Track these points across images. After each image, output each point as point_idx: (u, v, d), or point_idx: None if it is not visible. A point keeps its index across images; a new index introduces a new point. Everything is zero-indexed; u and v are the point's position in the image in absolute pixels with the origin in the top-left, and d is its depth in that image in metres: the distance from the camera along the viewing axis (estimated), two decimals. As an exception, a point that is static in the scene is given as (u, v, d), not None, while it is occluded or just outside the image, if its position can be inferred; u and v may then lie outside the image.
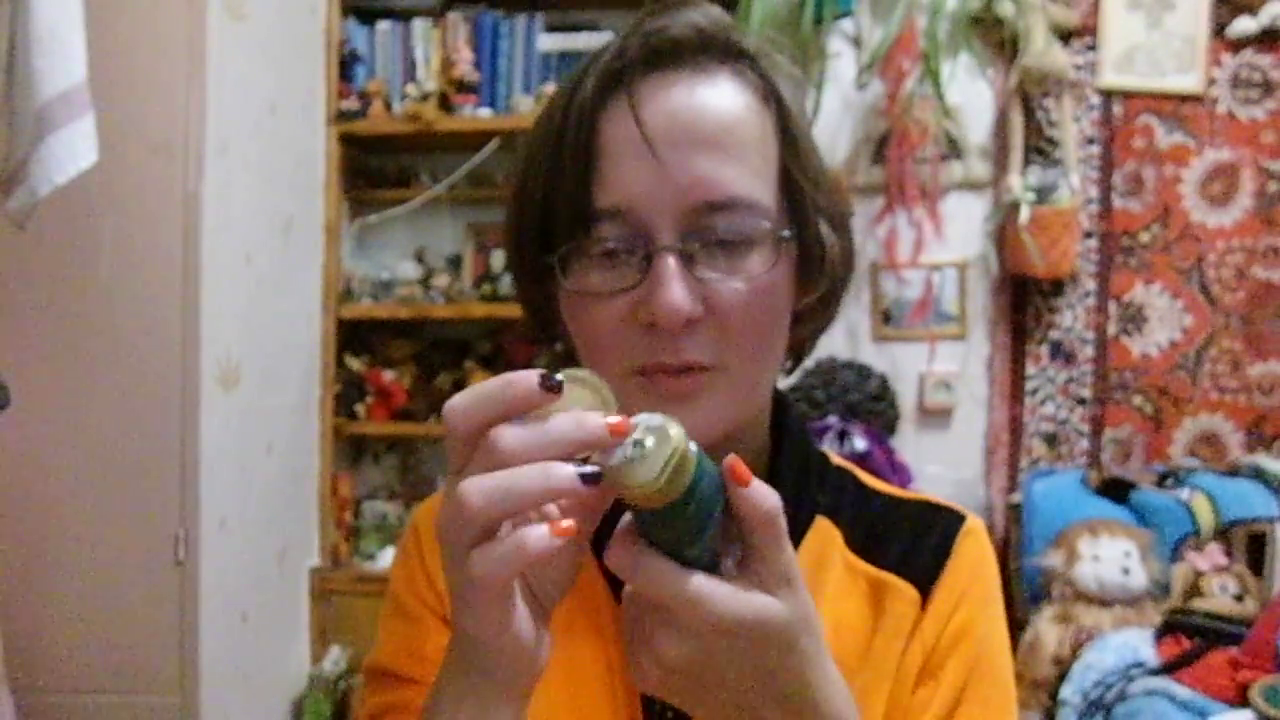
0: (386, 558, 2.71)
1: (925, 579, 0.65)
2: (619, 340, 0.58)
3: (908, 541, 0.67)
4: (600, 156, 0.58)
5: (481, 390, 0.44)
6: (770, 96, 0.61)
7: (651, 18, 0.61)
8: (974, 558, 0.67)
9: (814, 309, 0.66)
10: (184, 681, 2.05)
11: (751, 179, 0.59)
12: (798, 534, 0.64)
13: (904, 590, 0.64)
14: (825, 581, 0.65)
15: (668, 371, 0.58)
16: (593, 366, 0.60)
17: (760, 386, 0.63)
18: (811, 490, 0.67)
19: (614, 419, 0.43)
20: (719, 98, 0.59)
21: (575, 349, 0.63)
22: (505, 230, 0.65)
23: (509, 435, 0.43)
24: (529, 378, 0.43)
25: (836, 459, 0.73)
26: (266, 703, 2.47)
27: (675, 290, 0.56)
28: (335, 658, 2.64)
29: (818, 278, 0.64)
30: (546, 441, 0.43)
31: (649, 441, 0.43)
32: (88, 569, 2.03)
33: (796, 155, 0.62)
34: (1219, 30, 2.55)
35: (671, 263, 0.56)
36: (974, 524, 0.69)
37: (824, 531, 0.67)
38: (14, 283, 2.01)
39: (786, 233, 0.60)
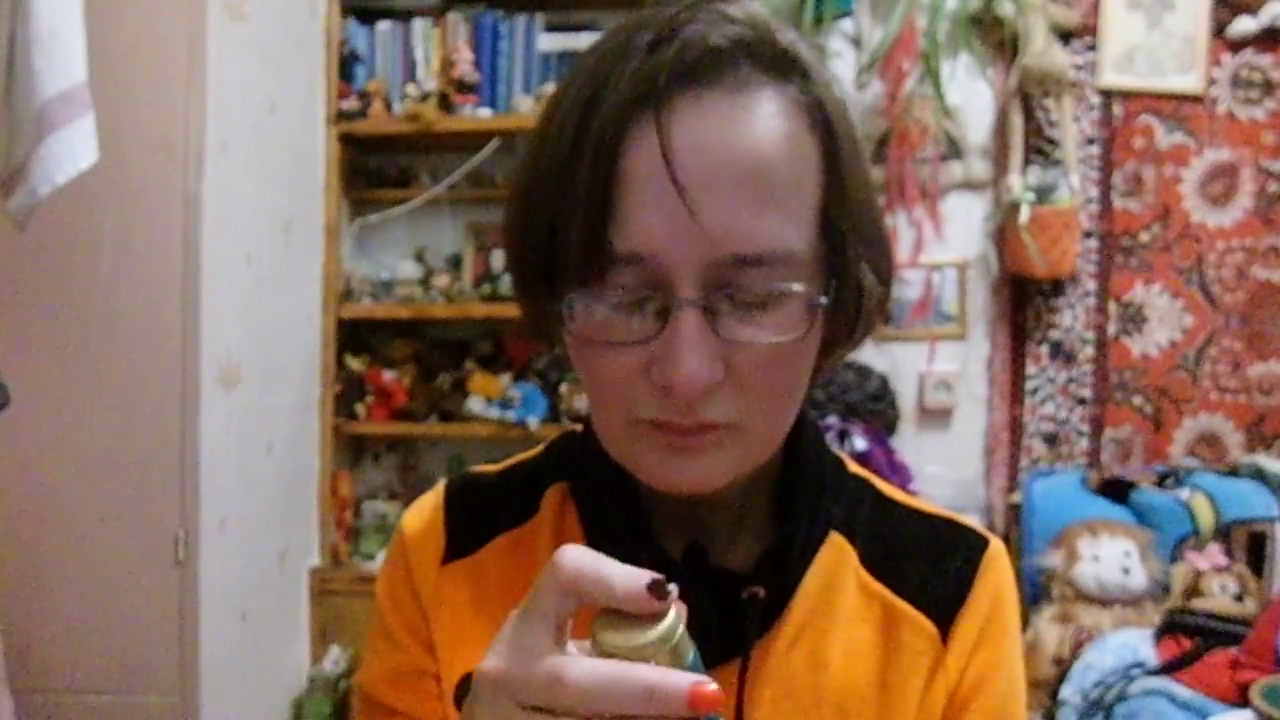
0: (386, 558, 2.71)
1: (945, 612, 0.61)
2: (629, 390, 0.53)
3: (927, 565, 0.63)
4: (621, 192, 0.50)
5: (600, 567, 0.41)
6: (819, 120, 0.53)
7: (684, 18, 0.52)
8: (996, 588, 0.63)
9: (841, 350, 0.60)
10: (184, 681, 2.05)
11: (788, 228, 0.51)
12: (810, 552, 0.61)
13: (922, 625, 0.61)
14: (838, 604, 0.61)
15: (679, 431, 0.53)
16: (598, 411, 0.56)
17: (778, 436, 0.58)
18: (825, 505, 0.63)
19: (706, 689, 0.39)
20: (759, 127, 0.51)
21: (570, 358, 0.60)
22: (506, 237, 0.59)
23: (586, 668, 0.39)
24: (639, 583, 0.40)
25: (854, 466, 0.68)
26: (266, 703, 2.47)
27: (694, 359, 0.49)
28: (335, 658, 2.64)
29: (850, 332, 0.58)
30: (620, 689, 0.39)
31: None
32: (88, 569, 2.03)
33: (843, 196, 0.54)
34: (1219, 30, 2.55)
35: (693, 321, 0.50)
36: (996, 549, 0.64)
37: (837, 549, 0.62)
38: (14, 283, 2.01)
39: (823, 299, 0.53)
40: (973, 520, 0.67)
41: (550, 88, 2.66)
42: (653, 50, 0.51)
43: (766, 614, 0.59)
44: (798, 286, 0.52)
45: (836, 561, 0.62)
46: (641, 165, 0.50)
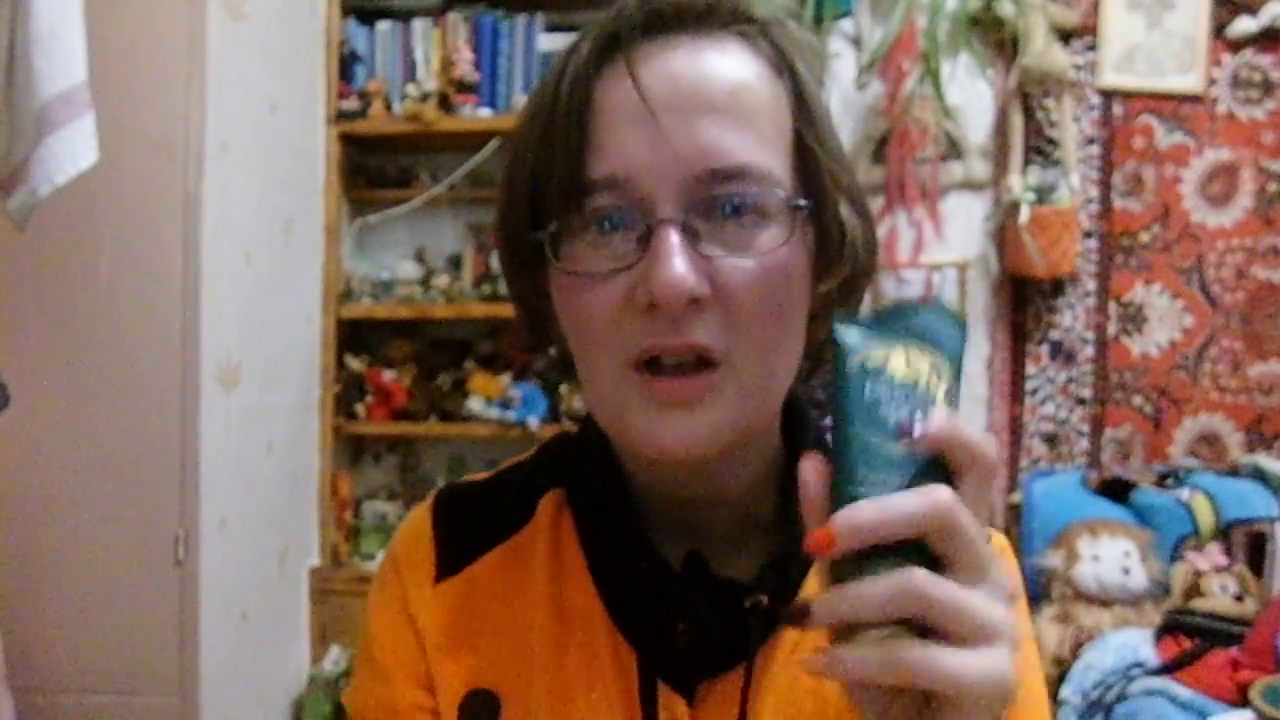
0: (386, 558, 2.71)
1: None
2: (615, 327, 0.52)
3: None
4: (595, 124, 0.52)
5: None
6: (784, 67, 0.56)
7: None
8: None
9: (834, 301, 0.59)
10: (184, 681, 2.05)
11: (762, 147, 0.53)
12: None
13: None
14: None
15: (670, 354, 0.52)
16: (587, 361, 0.55)
17: (773, 387, 0.56)
18: None
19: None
20: (726, 62, 0.53)
21: (568, 350, 0.58)
22: (496, 217, 0.60)
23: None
24: None
25: None
26: (266, 703, 2.47)
27: (676, 264, 0.49)
28: (335, 658, 2.64)
29: (838, 263, 0.57)
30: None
31: None
32: (88, 569, 2.03)
33: (813, 126, 0.55)
34: (1219, 30, 2.55)
35: (673, 235, 0.50)
36: (999, 543, 0.63)
37: None
38: (14, 283, 2.01)
39: (803, 202, 0.54)
40: None
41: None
42: (621, 8, 0.55)
43: (768, 621, 0.57)
44: (778, 193, 0.53)
45: None
46: (614, 98, 0.53)
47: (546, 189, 0.54)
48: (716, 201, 0.52)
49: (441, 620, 0.62)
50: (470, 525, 0.65)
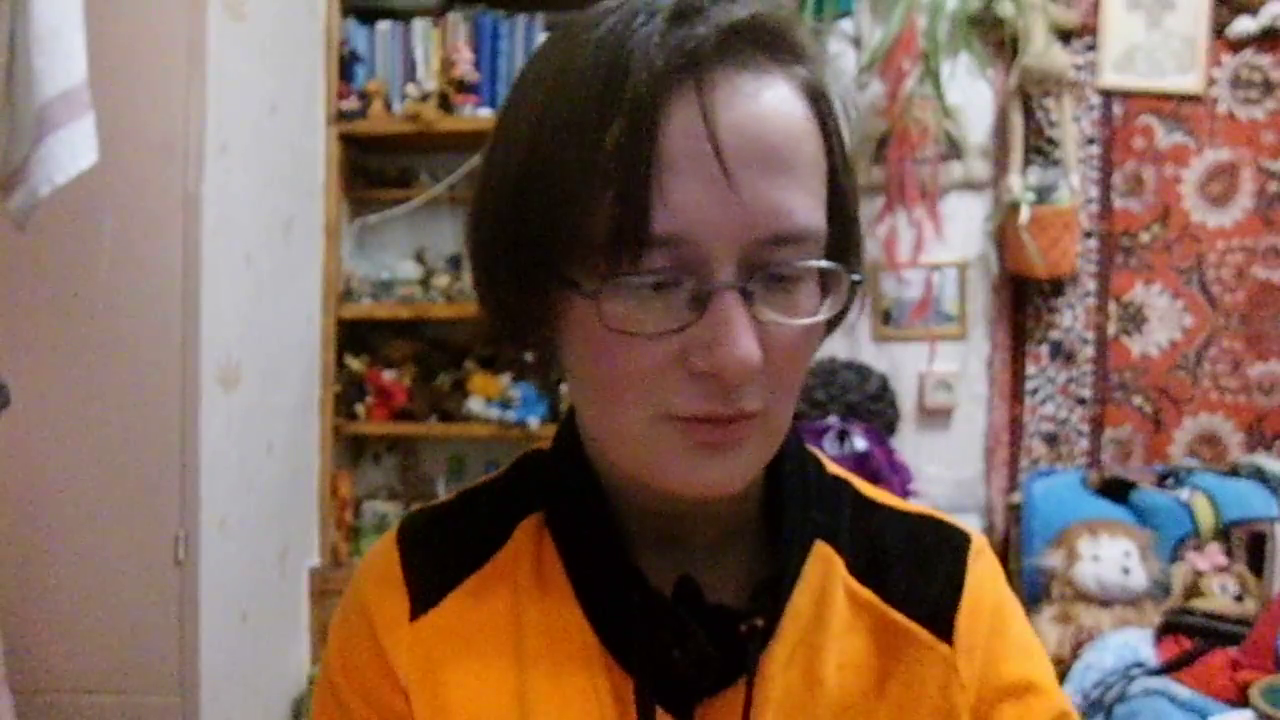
0: (386, 558, 2.71)
1: (940, 615, 0.59)
2: (656, 384, 0.50)
3: (913, 569, 0.61)
4: (660, 166, 0.47)
5: None
6: (820, 104, 0.52)
7: None
8: (990, 582, 0.62)
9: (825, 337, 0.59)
10: (184, 681, 2.05)
11: (815, 205, 0.51)
12: (798, 563, 0.59)
13: (915, 633, 0.59)
14: (828, 617, 0.59)
15: (718, 421, 0.50)
16: (613, 407, 0.52)
17: (786, 430, 0.55)
18: (812, 514, 0.60)
19: None
20: (783, 106, 0.50)
21: (568, 370, 0.56)
22: (485, 225, 0.54)
23: None
24: None
25: (832, 467, 0.65)
26: (266, 703, 2.47)
27: (745, 340, 0.47)
28: (335, 658, 2.64)
29: (855, 294, 0.57)
30: None
31: None
32: (88, 569, 2.03)
33: (843, 177, 0.54)
34: (1219, 30, 2.55)
35: (737, 305, 0.48)
36: (979, 543, 0.63)
37: (824, 558, 0.60)
38: (14, 283, 2.01)
39: (857, 277, 0.53)
40: (950, 516, 0.65)
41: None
42: (678, 23, 0.49)
43: (762, 639, 0.57)
44: (825, 264, 0.51)
45: (825, 573, 0.60)
46: (681, 141, 0.47)
47: (585, 225, 0.48)
48: (772, 265, 0.49)
49: (421, 658, 0.59)
50: (442, 555, 0.61)
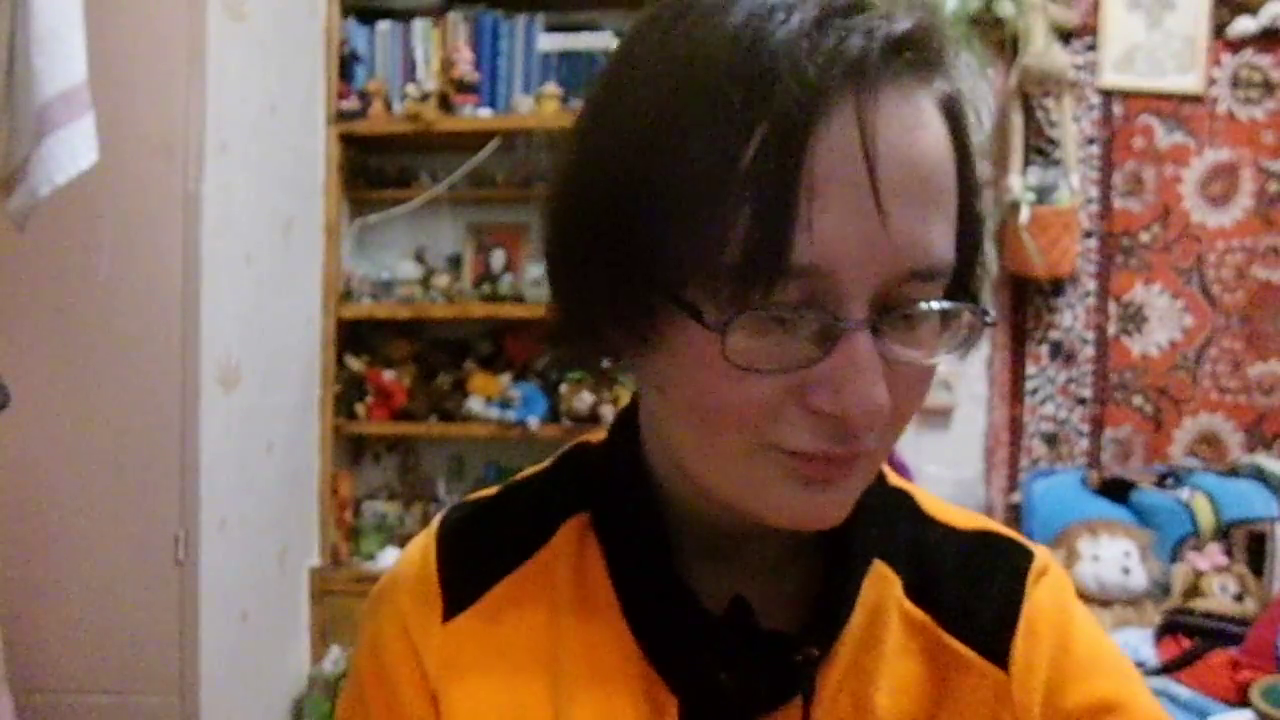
0: (387, 558, 2.71)
1: (994, 639, 0.56)
2: (769, 418, 0.46)
3: (968, 590, 0.57)
4: (808, 189, 0.42)
5: None
6: (961, 123, 0.48)
7: None
8: (1052, 603, 0.57)
9: None
10: (184, 681, 2.05)
11: (950, 236, 0.47)
12: (855, 582, 0.56)
13: (970, 659, 0.56)
14: (883, 640, 0.56)
15: (833, 461, 0.47)
16: (711, 436, 0.48)
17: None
18: (871, 532, 0.57)
19: None
20: (932, 128, 0.45)
21: (631, 372, 0.53)
22: (565, 217, 0.50)
23: None
24: None
25: (893, 477, 0.61)
26: (266, 703, 2.47)
27: (878, 387, 0.44)
28: (335, 658, 2.64)
29: (973, 340, 0.52)
30: None
31: None
32: (88, 569, 2.03)
33: (979, 197, 0.50)
34: (1219, 30, 2.55)
35: (868, 345, 0.44)
36: (1042, 561, 0.59)
37: (881, 578, 0.57)
38: (14, 283, 2.00)
39: (990, 318, 0.48)
40: (1014, 532, 0.61)
41: (550, 88, 2.66)
42: (825, 27, 0.43)
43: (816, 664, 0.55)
44: (966, 305, 0.47)
45: (881, 594, 0.57)
46: (832, 163, 0.42)
47: (711, 246, 0.43)
48: (905, 302, 0.45)
49: (453, 662, 0.56)
50: (481, 552, 0.59)
